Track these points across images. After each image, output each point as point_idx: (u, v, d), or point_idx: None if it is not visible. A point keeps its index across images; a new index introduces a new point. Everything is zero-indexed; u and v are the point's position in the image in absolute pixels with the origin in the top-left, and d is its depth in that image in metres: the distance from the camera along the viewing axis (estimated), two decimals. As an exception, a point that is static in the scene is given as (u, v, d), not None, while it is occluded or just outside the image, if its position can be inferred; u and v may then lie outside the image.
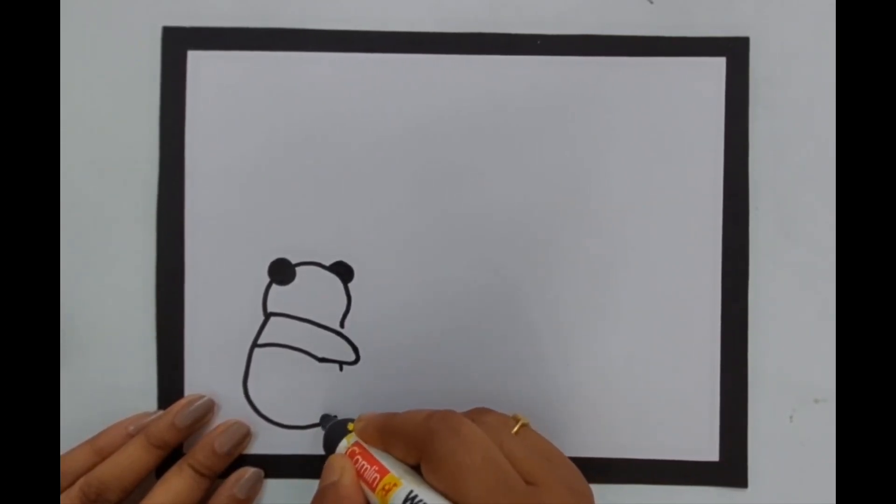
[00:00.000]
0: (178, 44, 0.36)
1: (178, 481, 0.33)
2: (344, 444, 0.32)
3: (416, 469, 0.28)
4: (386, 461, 0.29)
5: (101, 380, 0.36)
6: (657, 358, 0.36)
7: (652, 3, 0.36)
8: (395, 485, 0.27)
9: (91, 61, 0.36)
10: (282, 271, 0.36)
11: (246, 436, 0.35)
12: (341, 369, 0.36)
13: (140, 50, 0.36)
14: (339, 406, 0.36)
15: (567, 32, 0.36)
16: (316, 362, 0.36)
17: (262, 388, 0.36)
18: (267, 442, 0.36)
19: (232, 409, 0.36)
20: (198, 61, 0.36)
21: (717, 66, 0.36)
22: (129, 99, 0.36)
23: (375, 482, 0.28)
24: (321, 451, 0.35)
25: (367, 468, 0.29)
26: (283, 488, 0.36)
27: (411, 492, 0.26)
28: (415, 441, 0.27)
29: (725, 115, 0.36)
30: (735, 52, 0.36)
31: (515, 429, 0.28)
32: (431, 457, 0.26)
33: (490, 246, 0.36)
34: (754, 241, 0.36)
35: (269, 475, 0.35)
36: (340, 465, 0.30)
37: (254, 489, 0.34)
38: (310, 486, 0.35)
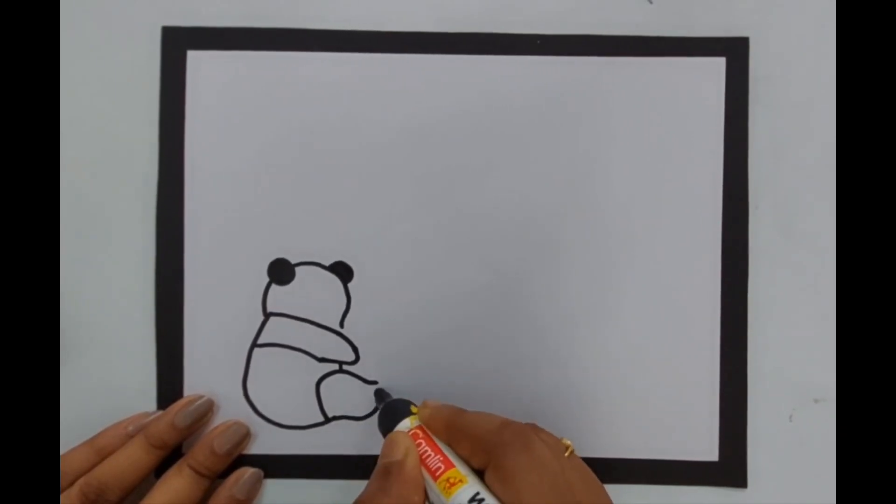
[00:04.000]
0: (178, 44, 0.36)
1: (177, 481, 0.33)
2: (407, 424, 0.31)
3: (475, 472, 0.28)
4: (450, 454, 0.28)
5: (100, 380, 0.36)
6: (657, 358, 0.36)
7: (651, 3, 0.36)
8: (460, 481, 0.27)
9: (91, 61, 0.36)
10: (281, 271, 0.36)
11: (245, 436, 0.35)
12: (341, 369, 0.36)
13: (140, 50, 0.36)
14: (339, 406, 0.36)
15: (567, 32, 0.36)
16: (315, 362, 0.36)
17: (262, 389, 0.36)
18: (266, 442, 0.36)
19: (231, 410, 0.36)
20: (197, 61, 0.36)
21: (716, 66, 0.36)
22: (129, 99, 0.36)
23: (439, 472, 0.27)
24: (321, 452, 0.36)
25: (430, 455, 0.28)
26: (282, 488, 0.36)
27: (478, 493, 0.26)
28: (486, 446, 0.27)
29: (725, 115, 0.36)
30: (735, 52, 0.36)
31: (567, 454, 0.28)
32: (502, 467, 0.26)
33: (489, 246, 0.36)
34: (754, 240, 0.36)
35: (268, 475, 0.35)
36: (406, 444, 0.29)
37: (253, 489, 0.34)
38: (310, 487, 0.36)
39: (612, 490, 0.35)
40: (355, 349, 0.36)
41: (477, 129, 0.36)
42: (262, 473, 0.35)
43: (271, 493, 0.36)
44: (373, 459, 0.35)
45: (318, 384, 0.36)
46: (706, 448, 0.35)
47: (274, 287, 0.36)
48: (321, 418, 0.36)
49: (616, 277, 0.36)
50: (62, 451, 0.33)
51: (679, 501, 0.35)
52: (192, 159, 0.36)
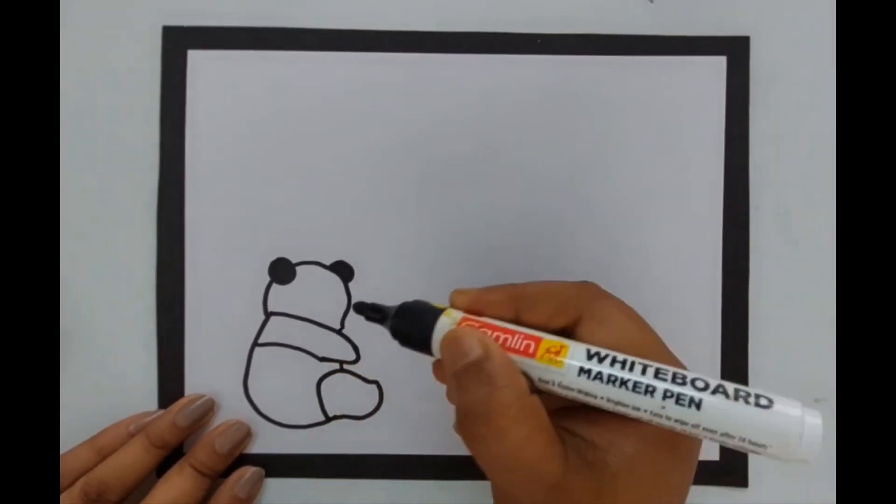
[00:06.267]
0: (179, 43, 0.36)
1: (178, 481, 0.33)
2: (447, 322, 0.26)
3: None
4: (520, 329, 0.25)
5: (101, 379, 0.36)
6: (657, 357, 0.36)
7: (652, 2, 0.36)
8: (562, 346, 0.24)
9: (91, 60, 0.36)
10: (282, 271, 0.36)
11: (246, 435, 0.35)
12: (342, 368, 0.36)
13: (140, 49, 0.36)
14: (340, 405, 0.36)
15: (567, 32, 0.36)
16: (316, 361, 0.36)
17: (263, 388, 0.36)
18: (267, 441, 0.36)
19: (232, 409, 0.36)
20: (198, 61, 0.36)
21: (717, 65, 0.36)
22: (130, 98, 0.36)
23: (531, 349, 0.24)
24: (323, 451, 0.36)
25: (506, 339, 0.25)
26: (283, 487, 0.36)
27: (589, 349, 0.24)
28: (574, 302, 0.26)
29: (726, 114, 0.36)
30: (736, 51, 0.36)
31: None
32: (597, 315, 0.26)
33: (490, 244, 0.36)
34: (755, 240, 0.36)
35: (269, 474, 0.35)
36: (478, 337, 0.24)
37: (255, 488, 0.34)
38: (311, 486, 0.36)
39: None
40: (356, 348, 0.36)
41: (477, 128, 0.36)
42: (263, 472, 0.35)
43: (272, 493, 0.36)
44: (374, 458, 0.36)
45: (318, 383, 0.36)
46: (707, 447, 0.35)
47: (275, 286, 0.36)
48: (322, 417, 0.36)
49: (616, 276, 0.36)
50: (63, 450, 0.33)
51: (680, 501, 0.35)
52: (193, 158, 0.36)
